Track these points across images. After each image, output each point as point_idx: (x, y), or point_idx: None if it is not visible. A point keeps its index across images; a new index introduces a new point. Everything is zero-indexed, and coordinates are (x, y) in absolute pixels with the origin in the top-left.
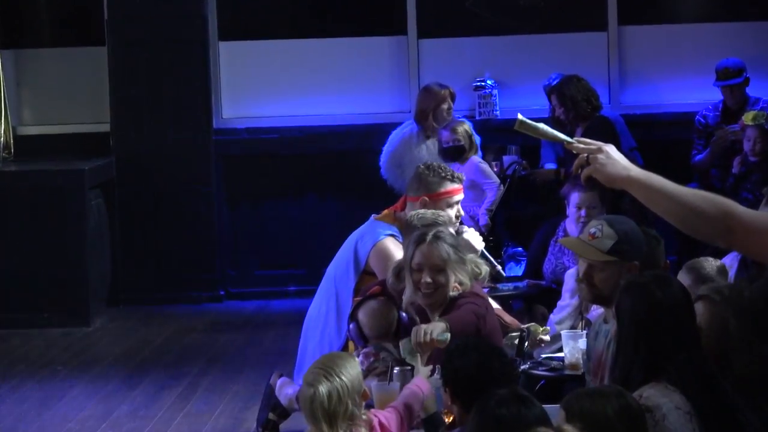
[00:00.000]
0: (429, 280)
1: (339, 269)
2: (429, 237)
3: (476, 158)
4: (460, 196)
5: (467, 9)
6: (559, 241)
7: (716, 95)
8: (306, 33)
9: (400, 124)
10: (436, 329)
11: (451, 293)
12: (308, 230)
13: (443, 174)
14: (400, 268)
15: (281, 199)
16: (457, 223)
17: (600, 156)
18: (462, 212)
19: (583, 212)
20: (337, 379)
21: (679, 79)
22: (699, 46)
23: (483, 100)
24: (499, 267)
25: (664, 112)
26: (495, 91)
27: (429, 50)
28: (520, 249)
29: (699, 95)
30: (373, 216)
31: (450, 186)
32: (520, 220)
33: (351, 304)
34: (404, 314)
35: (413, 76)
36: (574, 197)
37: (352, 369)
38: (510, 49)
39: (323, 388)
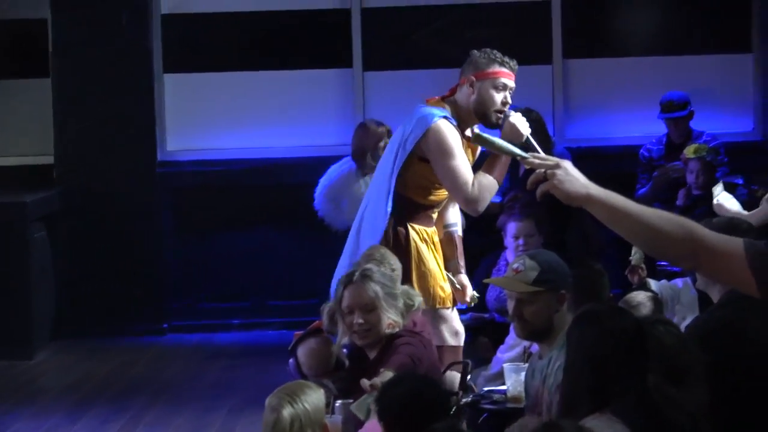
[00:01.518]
0: (361, 321)
1: (387, 157)
2: (356, 276)
3: None
4: (508, 81)
5: (413, 41)
6: (485, 281)
7: (661, 128)
8: (252, 65)
9: (346, 156)
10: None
11: (387, 330)
12: (254, 263)
13: (493, 57)
14: (333, 311)
15: (227, 231)
16: (506, 109)
17: (558, 172)
18: (509, 99)
19: (521, 241)
20: (301, 405)
21: (624, 113)
22: (644, 80)
23: None
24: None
25: (609, 145)
26: None
27: (375, 83)
28: None
29: (644, 128)
30: (420, 104)
31: (498, 68)
32: (469, 251)
33: (394, 183)
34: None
35: (359, 109)
36: (511, 227)
37: (316, 399)
38: (454, 81)
39: (287, 413)
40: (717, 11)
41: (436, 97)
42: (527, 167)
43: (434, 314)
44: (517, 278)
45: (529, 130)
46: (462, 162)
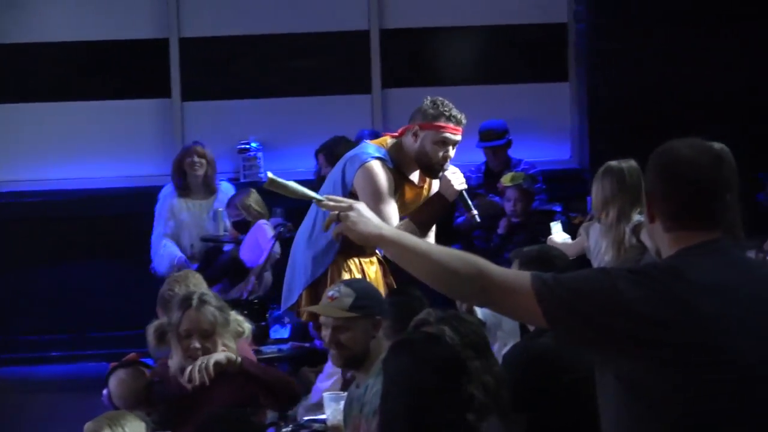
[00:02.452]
0: (198, 345)
1: (326, 190)
2: (195, 301)
3: (262, 221)
4: (452, 136)
5: (232, 71)
6: (300, 310)
7: (479, 157)
8: (70, 96)
9: (164, 186)
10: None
11: None
12: (74, 294)
13: (442, 110)
14: (161, 331)
15: (45, 263)
16: (446, 166)
17: (351, 214)
18: (451, 154)
19: None
20: (120, 429)
21: None
22: (463, 108)
23: (248, 163)
24: (475, 212)
25: None
26: (260, 154)
27: (193, 113)
28: None
29: (462, 157)
30: (366, 139)
31: (443, 122)
32: None
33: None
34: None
35: (178, 139)
36: None
37: (137, 427)
38: (275, 111)
39: None
40: (534, 40)
41: (387, 135)
42: (323, 209)
43: None
44: (333, 305)
45: (464, 186)
46: (387, 206)
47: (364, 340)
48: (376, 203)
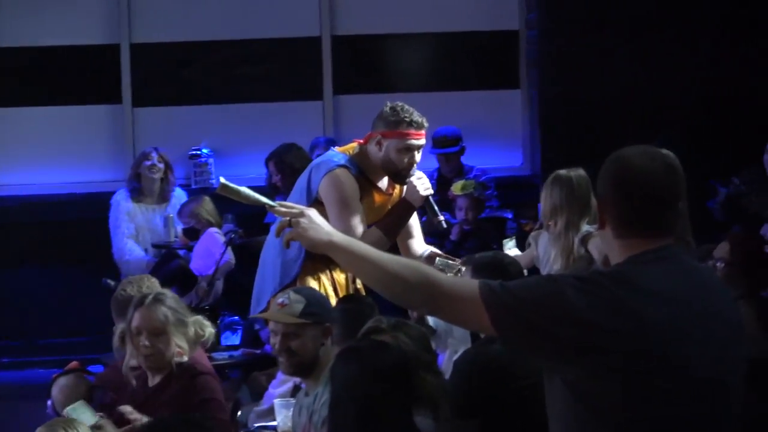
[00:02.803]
0: (147, 343)
1: (293, 197)
2: (148, 300)
3: (213, 229)
4: (416, 141)
5: (183, 77)
6: (251, 317)
7: (432, 163)
8: (20, 101)
9: (115, 192)
10: None
11: (176, 359)
12: (23, 301)
13: (402, 116)
14: (124, 332)
15: None
16: (412, 171)
17: (302, 220)
18: (417, 159)
19: None
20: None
21: None
22: None
23: (199, 169)
24: (441, 217)
25: None
26: (211, 160)
27: (144, 119)
28: (236, 318)
29: None
30: (333, 147)
31: (405, 128)
32: (238, 289)
33: None
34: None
35: (129, 145)
36: None
37: None
38: (227, 117)
39: None
40: (486, 47)
41: (354, 142)
42: (277, 215)
43: None
44: (283, 311)
45: (430, 192)
46: (352, 214)
47: (314, 347)
48: (341, 211)
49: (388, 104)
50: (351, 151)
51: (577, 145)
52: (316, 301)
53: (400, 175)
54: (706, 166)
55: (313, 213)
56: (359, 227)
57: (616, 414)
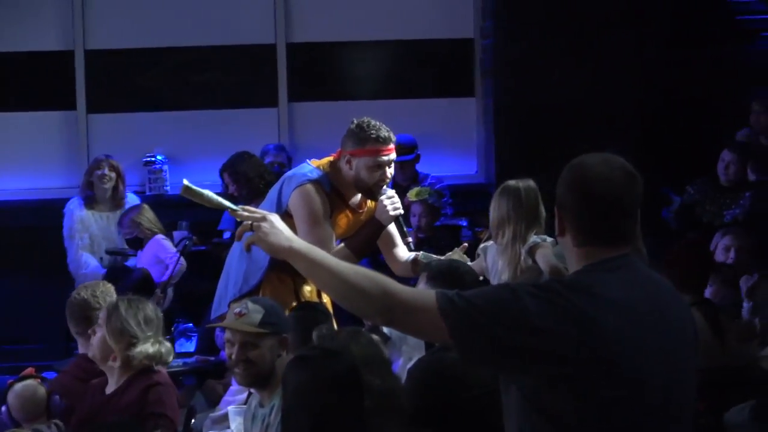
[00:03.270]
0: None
1: (265, 206)
2: (122, 301)
3: (159, 236)
4: (385, 157)
5: (138, 84)
6: (208, 326)
7: None
8: None
9: (70, 199)
10: None
11: (110, 362)
12: None
13: (370, 133)
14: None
15: None
16: (385, 187)
17: (264, 225)
18: (388, 175)
19: None
20: None
21: None
22: None
23: (153, 176)
24: (410, 239)
25: None
26: (166, 167)
27: (99, 125)
28: (190, 325)
29: None
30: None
31: (373, 145)
32: (192, 296)
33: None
34: (57, 397)
35: (83, 151)
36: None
37: None
38: (181, 124)
39: None
40: (440, 55)
41: (332, 156)
42: (238, 219)
43: None
44: (242, 321)
45: (400, 212)
46: (320, 229)
47: (271, 358)
48: (309, 226)
49: (355, 121)
50: (325, 166)
51: (531, 153)
52: (275, 311)
53: (372, 192)
54: (658, 173)
55: (275, 218)
56: (328, 243)
57: (571, 423)
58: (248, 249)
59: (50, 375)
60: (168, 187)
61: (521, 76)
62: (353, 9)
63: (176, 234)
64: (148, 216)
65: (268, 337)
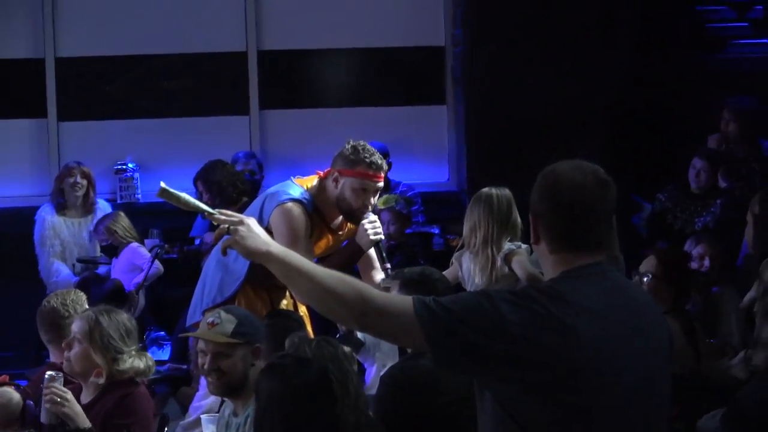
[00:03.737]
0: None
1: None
2: (96, 310)
3: (134, 244)
4: (372, 183)
5: (108, 91)
6: (180, 335)
7: None
8: None
9: (40, 206)
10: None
11: (93, 378)
12: None
13: (362, 156)
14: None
15: None
16: (368, 213)
17: (241, 228)
18: (372, 201)
19: None
20: None
21: (322, 163)
22: (342, 130)
23: (124, 184)
24: (388, 265)
25: None
26: (137, 175)
27: (69, 133)
28: (162, 333)
29: None
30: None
31: (363, 169)
32: (165, 304)
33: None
34: (31, 402)
35: (54, 159)
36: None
37: None
38: (153, 132)
39: None
40: (411, 63)
41: (318, 173)
42: (215, 222)
43: None
44: (215, 331)
45: (380, 237)
46: (298, 249)
47: (243, 367)
48: (288, 244)
49: (351, 142)
50: (309, 185)
51: (503, 159)
52: (248, 321)
53: (354, 215)
54: (629, 180)
55: (252, 222)
56: None
57: (545, 430)
58: (224, 252)
59: (22, 383)
60: (139, 195)
61: (492, 84)
62: (325, 17)
63: (148, 242)
64: (123, 224)
65: (240, 346)
